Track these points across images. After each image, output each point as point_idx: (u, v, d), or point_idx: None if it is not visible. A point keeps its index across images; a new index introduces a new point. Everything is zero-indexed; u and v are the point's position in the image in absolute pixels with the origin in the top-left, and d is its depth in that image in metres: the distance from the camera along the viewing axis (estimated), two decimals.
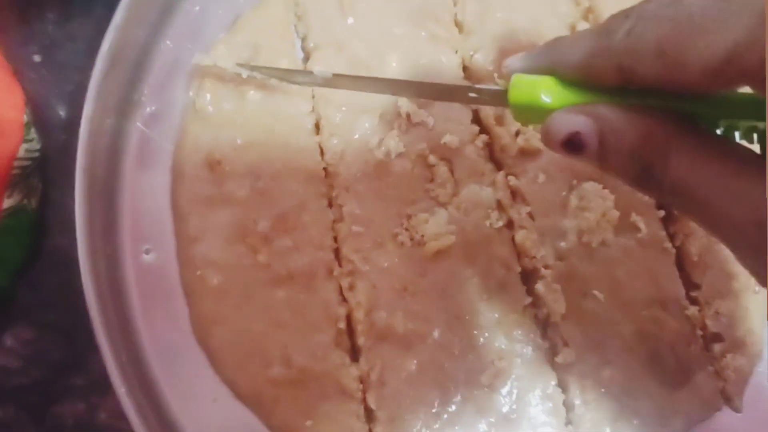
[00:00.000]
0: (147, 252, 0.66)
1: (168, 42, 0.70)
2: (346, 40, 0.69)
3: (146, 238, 0.66)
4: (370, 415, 0.61)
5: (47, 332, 0.67)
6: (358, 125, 0.67)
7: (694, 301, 0.64)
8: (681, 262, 0.65)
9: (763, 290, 0.64)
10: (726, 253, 0.64)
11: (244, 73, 0.66)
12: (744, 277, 0.64)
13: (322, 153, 0.67)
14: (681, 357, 0.63)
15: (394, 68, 0.68)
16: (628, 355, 0.62)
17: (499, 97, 0.49)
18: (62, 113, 0.73)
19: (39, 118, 0.70)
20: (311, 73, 0.65)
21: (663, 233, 0.65)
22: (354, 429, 0.60)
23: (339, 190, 0.65)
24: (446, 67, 0.69)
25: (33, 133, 0.67)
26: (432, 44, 0.69)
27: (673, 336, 0.63)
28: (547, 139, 0.43)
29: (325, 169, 0.66)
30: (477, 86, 0.54)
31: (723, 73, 0.35)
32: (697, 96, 0.39)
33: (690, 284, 0.65)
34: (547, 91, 0.44)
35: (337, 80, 0.64)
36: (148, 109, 0.68)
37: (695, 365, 0.63)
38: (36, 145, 0.67)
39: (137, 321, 0.64)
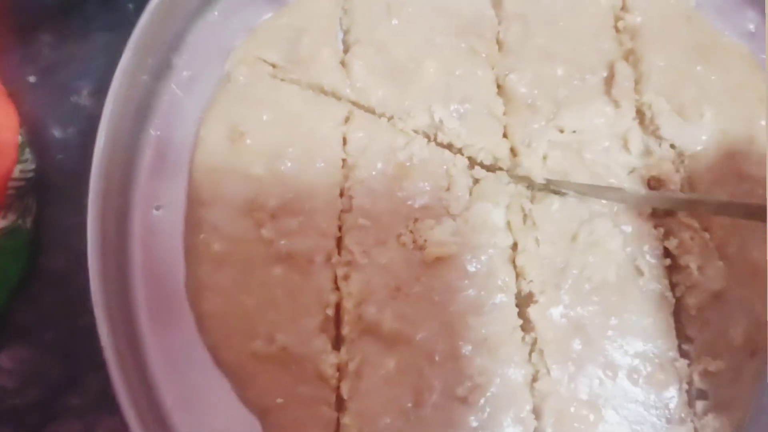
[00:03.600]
0: (157, 208, 0.70)
1: (216, 13, 0.75)
2: (387, 40, 0.73)
3: (161, 195, 0.70)
4: (340, 405, 0.64)
5: (44, 352, 0.70)
6: (388, 125, 0.71)
7: (684, 354, 0.66)
8: (678, 313, 0.67)
9: (759, 356, 0.65)
10: (726, 311, 0.66)
11: (551, 185, 0.69)
12: (741, 340, 0.65)
13: (344, 143, 0.70)
14: (662, 409, 0.64)
15: (430, 74, 0.72)
16: (609, 397, 0.64)
17: None
18: (57, 134, 0.76)
19: (34, 138, 0.73)
20: (621, 189, 0.68)
21: (665, 281, 0.67)
22: (323, 415, 0.63)
23: (353, 182, 0.68)
24: (481, 81, 0.72)
25: (27, 154, 0.70)
26: (470, 58, 0.73)
27: (658, 388, 0.64)
28: None
29: (344, 159, 0.70)
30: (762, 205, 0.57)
31: None
32: None
33: (683, 337, 0.66)
34: None
35: (649, 198, 0.68)
36: (184, 73, 0.73)
37: (675, 419, 0.64)
38: (30, 165, 0.70)
39: (135, 274, 0.68)
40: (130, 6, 0.80)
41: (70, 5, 0.79)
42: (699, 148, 0.70)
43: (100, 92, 0.75)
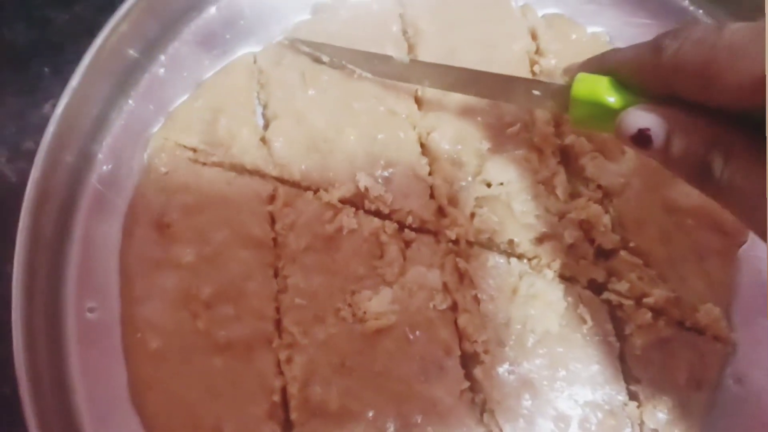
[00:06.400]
0: (91, 310, 0.70)
1: (130, 101, 0.75)
2: (305, 111, 0.74)
3: (92, 296, 0.70)
4: None
5: None
6: (314, 198, 0.71)
7: (633, 396, 0.67)
8: (624, 354, 0.68)
9: (705, 388, 0.67)
10: (669, 347, 0.67)
11: (325, 58, 0.75)
12: (686, 374, 0.67)
13: (273, 222, 0.70)
14: None
15: (351, 141, 0.73)
16: None
17: (561, 94, 0.56)
18: None
19: None
20: (391, 57, 0.72)
21: (609, 326, 0.69)
22: None
23: (285, 260, 0.69)
24: (404, 143, 0.73)
25: None
26: (390, 120, 0.74)
27: None
28: (618, 132, 0.52)
29: (274, 239, 0.70)
30: (540, 81, 0.61)
31: (752, 96, 0.43)
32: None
33: (630, 378, 0.67)
34: (609, 88, 0.52)
35: (412, 67, 0.72)
36: (104, 167, 0.73)
37: None
38: None
39: (74, 379, 0.67)
40: (46, 70, 0.81)
41: None
42: (623, 183, 0.72)
43: (17, 158, 0.79)
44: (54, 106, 0.67)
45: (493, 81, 0.67)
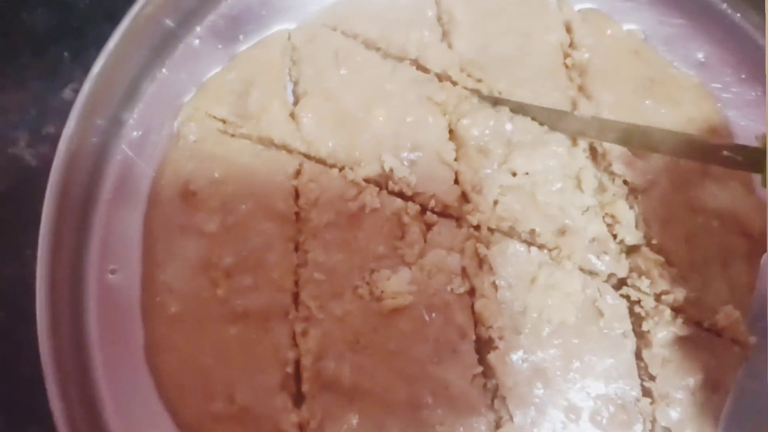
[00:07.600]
0: (113, 272, 0.70)
1: (164, 70, 0.76)
2: (335, 89, 0.75)
3: (115, 258, 0.71)
4: None
5: None
6: (339, 176, 0.72)
7: (646, 393, 0.67)
8: (640, 350, 0.68)
9: (721, 391, 0.66)
10: (687, 348, 0.67)
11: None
12: (702, 375, 0.66)
13: (297, 196, 0.71)
14: None
15: (380, 122, 0.73)
16: None
17: (755, 157, 0.55)
18: None
19: None
20: (568, 113, 0.73)
21: (627, 321, 0.69)
22: None
23: (307, 235, 0.70)
24: (432, 128, 0.74)
25: None
26: (422, 104, 0.75)
27: (621, 429, 0.65)
28: None
29: (296, 213, 0.71)
30: (733, 143, 0.60)
31: None
32: None
33: (645, 374, 0.67)
34: None
35: (590, 122, 0.71)
36: (134, 133, 0.74)
37: None
38: None
39: (92, 338, 0.68)
40: (66, 54, 0.82)
41: (1, 55, 0.81)
42: (651, 180, 0.72)
43: (38, 143, 0.79)
44: (75, 91, 0.69)
45: (681, 143, 0.66)
